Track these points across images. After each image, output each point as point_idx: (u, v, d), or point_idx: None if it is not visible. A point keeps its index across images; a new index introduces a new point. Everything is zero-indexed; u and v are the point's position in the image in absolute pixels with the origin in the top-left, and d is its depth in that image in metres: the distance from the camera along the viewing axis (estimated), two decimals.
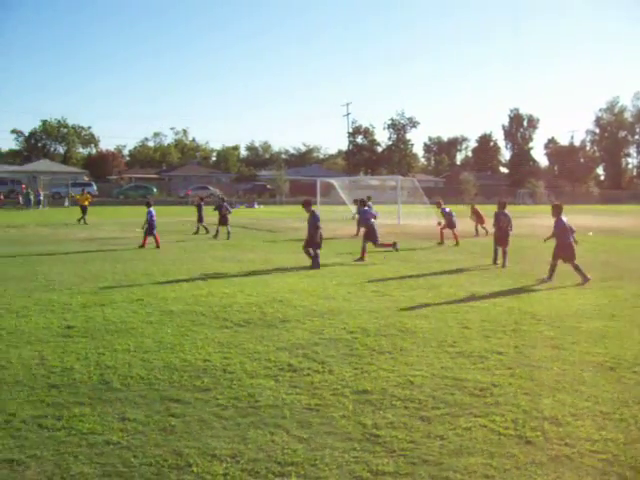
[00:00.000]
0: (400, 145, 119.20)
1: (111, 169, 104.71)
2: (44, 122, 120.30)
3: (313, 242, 17.04)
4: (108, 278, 14.60)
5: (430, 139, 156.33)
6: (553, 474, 4.88)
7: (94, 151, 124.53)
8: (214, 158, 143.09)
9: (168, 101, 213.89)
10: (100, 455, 5.16)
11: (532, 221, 40.00)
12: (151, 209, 22.38)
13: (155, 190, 79.25)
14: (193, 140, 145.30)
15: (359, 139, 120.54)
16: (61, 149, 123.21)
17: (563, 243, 14.55)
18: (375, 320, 10.18)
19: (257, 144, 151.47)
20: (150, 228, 22.37)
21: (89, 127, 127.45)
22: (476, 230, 28.80)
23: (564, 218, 14.71)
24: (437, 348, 8.52)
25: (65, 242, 24.23)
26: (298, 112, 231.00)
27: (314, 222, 17.08)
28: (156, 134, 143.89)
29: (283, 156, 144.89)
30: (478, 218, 28.67)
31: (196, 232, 28.99)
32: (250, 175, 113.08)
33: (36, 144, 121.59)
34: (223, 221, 27.23)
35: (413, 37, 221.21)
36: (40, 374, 7.24)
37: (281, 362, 7.77)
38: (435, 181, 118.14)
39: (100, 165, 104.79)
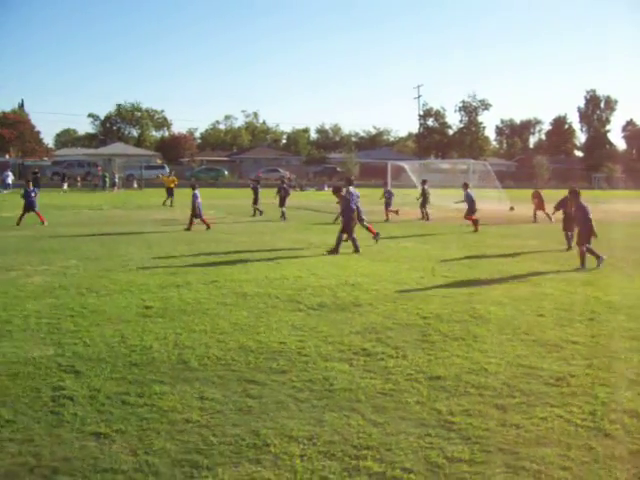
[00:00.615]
0: (471, 128, 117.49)
1: (183, 152, 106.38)
2: (119, 106, 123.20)
3: (347, 227, 16.79)
4: (182, 260, 14.93)
5: (502, 121, 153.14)
6: (634, 469, 4.78)
7: (167, 134, 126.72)
8: (284, 141, 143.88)
9: (239, 84, 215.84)
10: (181, 432, 5.31)
11: (608, 207, 38.95)
12: (196, 192, 22.64)
13: (226, 173, 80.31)
14: (264, 123, 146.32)
15: (430, 122, 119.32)
16: (135, 132, 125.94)
17: (584, 228, 14.51)
18: (447, 306, 10.13)
19: (327, 127, 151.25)
20: (196, 210, 22.63)
21: (162, 110, 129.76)
22: (534, 215, 28.01)
23: (584, 203, 14.75)
24: (511, 336, 8.43)
25: (140, 223, 24.83)
26: (369, 94, 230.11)
27: (348, 206, 16.88)
28: (227, 117, 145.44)
29: (353, 139, 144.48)
30: (539, 203, 27.57)
31: (254, 214, 29.39)
32: (320, 158, 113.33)
33: (111, 127, 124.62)
34: (281, 202, 27.98)
35: (487, 20, 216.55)
36: (121, 352, 7.48)
37: (355, 346, 7.83)
38: (507, 165, 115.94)
39: (172, 148, 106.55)
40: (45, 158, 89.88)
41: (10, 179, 56.38)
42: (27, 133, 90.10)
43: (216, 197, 45.98)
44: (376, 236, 18.94)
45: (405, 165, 46.07)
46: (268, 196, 32.38)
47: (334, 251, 16.36)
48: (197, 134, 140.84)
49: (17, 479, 4.54)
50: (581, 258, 14.31)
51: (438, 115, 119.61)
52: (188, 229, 22.51)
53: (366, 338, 8.20)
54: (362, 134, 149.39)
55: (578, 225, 14.71)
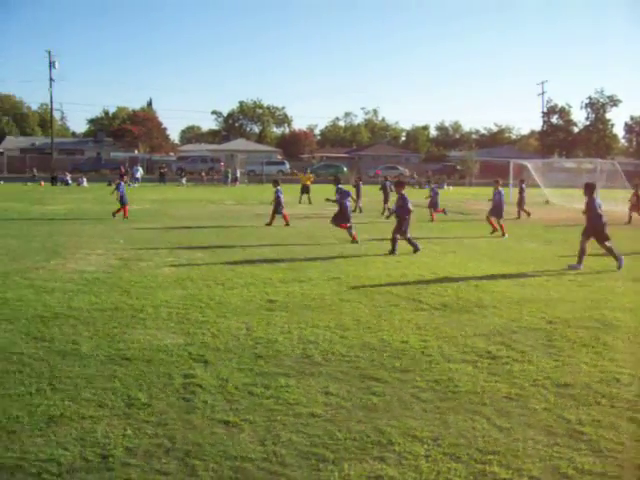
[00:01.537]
0: (599, 125, 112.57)
1: (303, 148, 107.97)
2: (241, 103, 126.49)
3: (400, 227, 16.03)
4: (303, 254, 15.17)
5: (632, 118, 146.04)
6: None
7: (287, 130, 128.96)
8: (403, 138, 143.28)
9: (360, 81, 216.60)
10: (306, 426, 5.41)
11: None
12: (278, 188, 22.74)
13: (345, 169, 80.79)
14: (383, 120, 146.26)
15: (554, 119, 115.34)
16: (256, 129, 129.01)
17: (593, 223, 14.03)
18: (574, 311, 9.78)
19: (447, 124, 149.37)
20: (277, 206, 22.78)
21: (283, 107, 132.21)
22: (630, 216, 26.42)
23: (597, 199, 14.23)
24: None
25: (263, 218, 25.38)
26: (490, 91, 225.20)
27: (404, 206, 16.01)
28: (347, 114, 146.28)
29: (473, 136, 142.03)
30: (638, 203, 26.02)
31: (383, 213, 29.28)
32: (439, 155, 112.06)
33: (233, 124, 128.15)
34: (385, 200, 28.92)
35: (616, 10, 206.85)
36: (248, 344, 7.70)
37: (479, 348, 7.70)
38: (636, 164, 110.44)
39: (293, 144, 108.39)
40: (171, 154, 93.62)
41: (139, 173, 59.19)
42: (155, 130, 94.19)
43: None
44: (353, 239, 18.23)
45: (528, 164, 44.79)
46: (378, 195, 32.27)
47: (392, 252, 15.66)
48: (317, 131, 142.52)
49: (154, 459, 4.77)
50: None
51: (563, 112, 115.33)
52: (269, 224, 22.83)
53: (490, 340, 8.05)
54: (483, 132, 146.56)
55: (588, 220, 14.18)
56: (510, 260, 15.10)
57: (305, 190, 35.85)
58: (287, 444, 5.05)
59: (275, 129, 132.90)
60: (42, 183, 57.73)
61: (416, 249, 15.81)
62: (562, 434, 5.34)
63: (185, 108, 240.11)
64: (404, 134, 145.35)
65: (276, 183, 23.37)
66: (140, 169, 61.15)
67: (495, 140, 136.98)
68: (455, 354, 7.45)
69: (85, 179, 58.27)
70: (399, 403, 5.93)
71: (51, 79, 75.42)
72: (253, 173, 71.92)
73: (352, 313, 9.34)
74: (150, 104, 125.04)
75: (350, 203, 19.22)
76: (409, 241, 16.02)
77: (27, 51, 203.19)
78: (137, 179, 57.82)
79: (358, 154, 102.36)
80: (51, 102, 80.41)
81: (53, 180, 59.82)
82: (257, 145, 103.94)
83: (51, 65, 75.33)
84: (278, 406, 5.81)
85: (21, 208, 29.59)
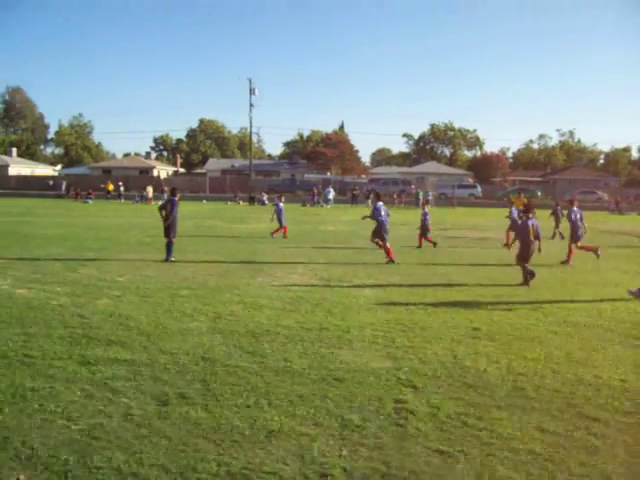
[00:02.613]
0: None
1: (495, 171, 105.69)
2: (432, 126, 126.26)
3: (523, 255, 14.69)
4: (504, 281, 14.73)
5: None
6: None
7: (478, 153, 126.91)
8: (602, 161, 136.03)
9: (554, 102, 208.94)
10: (525, 463, 5.21)
11: None
12: (426, 210, 23.01)
13: (539, 193, 78.04)
14: (579, 142, 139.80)
15: None
16: (447, 151, 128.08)
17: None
18: None
19: None
20: (425, 228, 22.66)
21: (474, 130, 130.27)
22: None
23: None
24: None
25: (456, 241, 25.03)
26: None
27: (523, 230, 14.73)
28: (541, 136, 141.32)
29: None
30: None
31: (552, 237, 27.86)
32: None
33: (424, 147, 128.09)
34: (556, 224, 27.97)
35: None
36: (456, 372, 7.58)
37: None
38: None
39: (484, 167, 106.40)
40: (363, 176, 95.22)
41: (332, 195, 60.75)
42: (347, 152, 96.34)
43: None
44: (390, 260, 17.93)
45: None
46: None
47: (524, 283, 14.46)
48: (509, 153, 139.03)
49: None
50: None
51: None
52: (419, 246, 22.75)
53: None
54: None
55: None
56: None
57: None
58: None
59: (466, 152, 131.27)
60: (241, 202, 60.95)
61: (527, 279, 14.50)
62: None
63: (376, 131, 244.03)
64: (602, 156, 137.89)
65: (424, 204, 24.41)
66: (332, 191, 62.81)
67: None
68: None
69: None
70: (625, 448, 5.55)
71: (251, 105, 79.60)
72: (444, 196, 71.39)
73: (561, 346, 8.92)
74: (342, 127, 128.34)
75: (388, 219, 18.70)
76: (524, 269, 14.65)
77: (229, 79, 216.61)
78: (329, 200, 59.45)
79: (553, 178, 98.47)
80: (250, 126, 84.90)
81: (251, 200, 62.93)
82: (448, 168, 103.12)
83: (251, 92, 79.54)
84: (493, 440, 5.65)
85: (225, 226, 31.38)
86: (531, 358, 8.25)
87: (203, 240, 23.13)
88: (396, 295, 12.61)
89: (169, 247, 17.23)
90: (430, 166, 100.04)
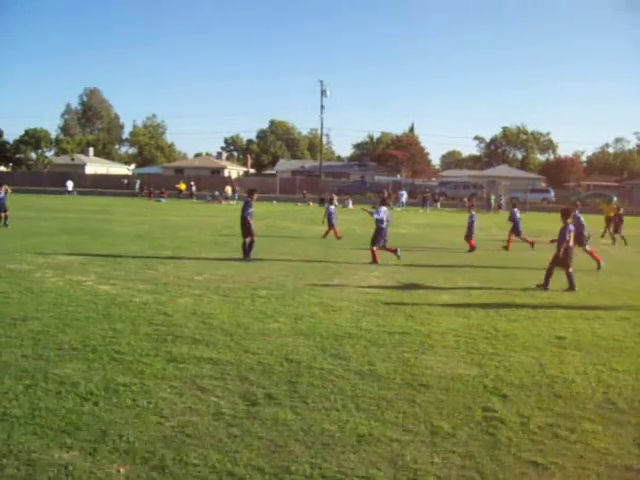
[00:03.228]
0: None
1: (568, 176, 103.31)
2: (504, 129, 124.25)
3: (556, 259, 14.29)
4: (593, 286, 14.35)
5: None
6: None
7: (552, 157, 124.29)
8: None
9: (631, 104, 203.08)
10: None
11: None
12: (515, 210, 24.30)
13: (615, 199, 75.90)
14: None
15: None
16: (519, 155, 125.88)
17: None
18: None
19: None
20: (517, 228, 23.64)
21: (548, 133, 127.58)
22: None
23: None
24: None
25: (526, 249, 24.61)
26: None
27: (563, 236, 14.19)
28: (617, 140, 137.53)
29: None
30: None
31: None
32: None
33: (495, 150, 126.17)
34: (615, 229, 28.58)
35: None
36: (543, 382, 7.42)
37: None
38: None
39: (557, 171, 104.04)
40: (433, 179, 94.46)
41: (404, 198, 60.59)
42: (417, 155, 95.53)
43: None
44: (395, 252, 18.64)
45: None
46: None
47: (544, 286, 14.22)
48: (583, 157, 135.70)
49: None
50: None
51: None
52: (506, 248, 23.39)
53: None
54: None
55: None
56: None
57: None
58: None
59: (539, 155, 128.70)
60: (311, 203, 61.26)
61: (571, 286, 14.13)
62: None
63: (446, 134, 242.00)
64: None
65: (514, 205, 25.44)
66: (404, 193, 62.65)
67: None
68: None
69: (351, 201, 60.80)
70: None
71: (322, 106, 79.83)
72: (515, 200, 70.12)
73: None
74: (412, 129, 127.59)
75: (389, 224, 19.02)
76: (569, 276, 14.21)
77: (300, 81, 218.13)
78: (402, 203, 59.35)
79: (630, 183, 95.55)
80: (321, 128, 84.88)
81: (321, 201, 63.16)
82: (519, 172, 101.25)
83: (322, 93, 79.78)
84: (588, 453, 5.50)
85: (296, 227, 31.58)
86: (621, 370, 8.00)
87: (276, 241, 23.32)
88: (475, 300, 12.45)
89: (245, 246, 17.49)
90: (501, 169, 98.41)
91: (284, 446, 5.40)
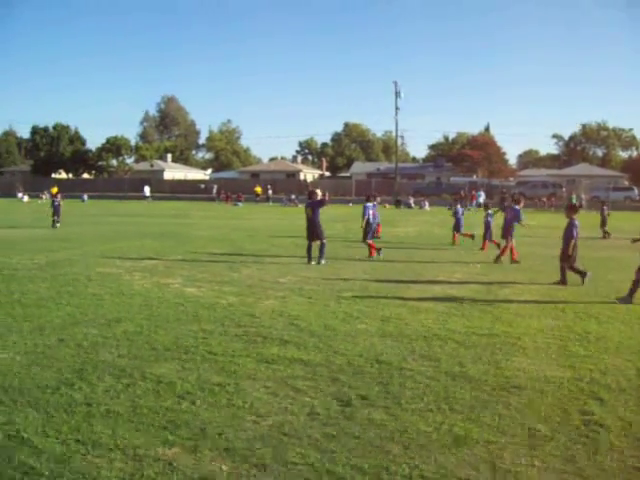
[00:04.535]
0: None
1: None
2: (584, 126, 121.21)
3: (565, 255, 14.34)
4: None
5: None
6: None
7: (635, 153, 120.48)
8: None
9: None
10: None
11: None
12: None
13: None
14: None
15: None
16: (599, 152, 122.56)
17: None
18: None
19: None
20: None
21: (630, 129, 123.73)
22: None
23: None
24: None
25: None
26: None
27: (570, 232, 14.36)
28: None
29: None
30: None
31: None
32: None
33: (575, 148, 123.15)
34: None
35: None
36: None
37: None
38: None
39: None
40: (510, 178, 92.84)
41: (482, 198, 59.96)
42: (493, 154, 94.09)
43: None
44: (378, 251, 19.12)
45: None
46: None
47: (561, 282, 14.40)
48: None
49: None
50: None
51: None
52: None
53: None
54: None
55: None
56: None
57: None
58: None
59: (621, 152, 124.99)
60: (387, 206, 61.16)
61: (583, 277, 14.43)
62: None
63: (523, 132, 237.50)
64: None
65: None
66: (483, 194, 61.88)
67: None
68: None
69: (427, 202, 60.47)
70: None
71: (396, 108, 79.58)
72: (597, 199, 68.20)
73: None
74: (488, 128, 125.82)
75: (375, 220, 20.43)
76: (575, 271, 14.49)
77: (374, 83, 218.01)
78: (480, 204, 58.73)
79: None
80: (396, 129, 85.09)
81: (397, 203, 63.06)
82: (600, 170, 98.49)
83: (397, 95, 79.51)
84: None
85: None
86: None
87: (355, 243, 23.34)
88: (561, 300, 12.19)
89: (323, 249, 17.54)
90: (581, 168, 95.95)
91: (381, 446, 5.42)
